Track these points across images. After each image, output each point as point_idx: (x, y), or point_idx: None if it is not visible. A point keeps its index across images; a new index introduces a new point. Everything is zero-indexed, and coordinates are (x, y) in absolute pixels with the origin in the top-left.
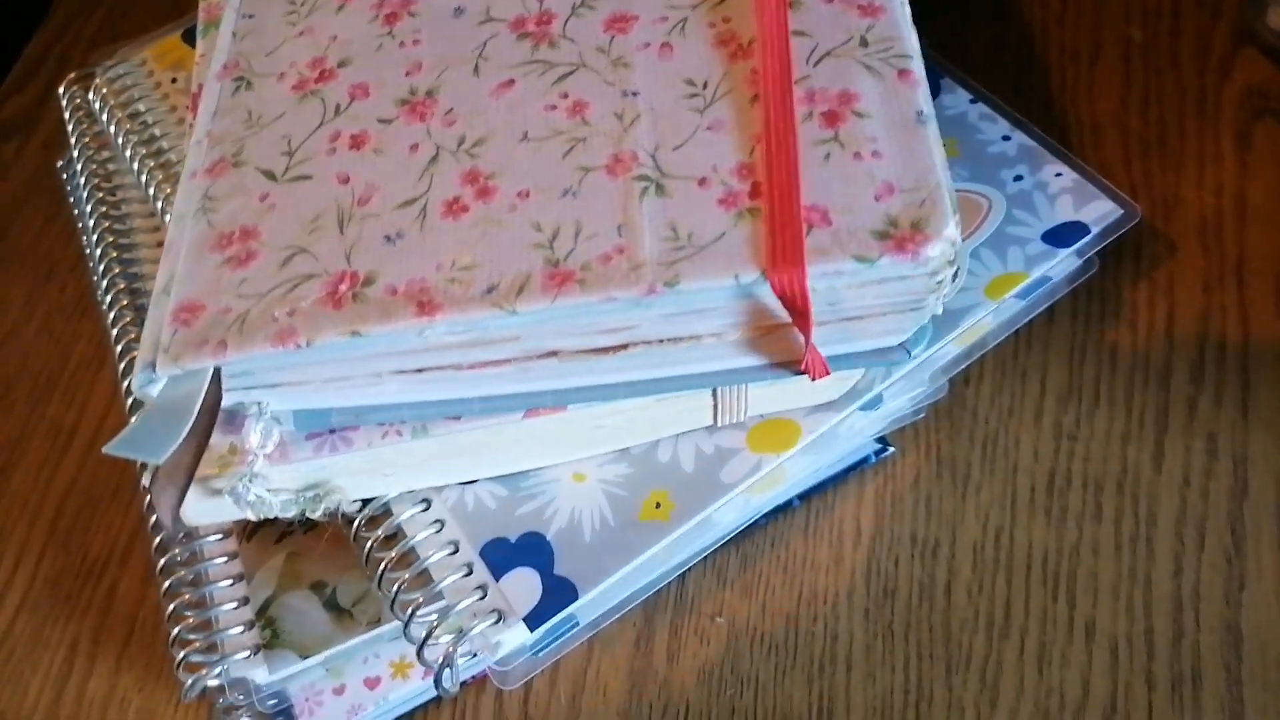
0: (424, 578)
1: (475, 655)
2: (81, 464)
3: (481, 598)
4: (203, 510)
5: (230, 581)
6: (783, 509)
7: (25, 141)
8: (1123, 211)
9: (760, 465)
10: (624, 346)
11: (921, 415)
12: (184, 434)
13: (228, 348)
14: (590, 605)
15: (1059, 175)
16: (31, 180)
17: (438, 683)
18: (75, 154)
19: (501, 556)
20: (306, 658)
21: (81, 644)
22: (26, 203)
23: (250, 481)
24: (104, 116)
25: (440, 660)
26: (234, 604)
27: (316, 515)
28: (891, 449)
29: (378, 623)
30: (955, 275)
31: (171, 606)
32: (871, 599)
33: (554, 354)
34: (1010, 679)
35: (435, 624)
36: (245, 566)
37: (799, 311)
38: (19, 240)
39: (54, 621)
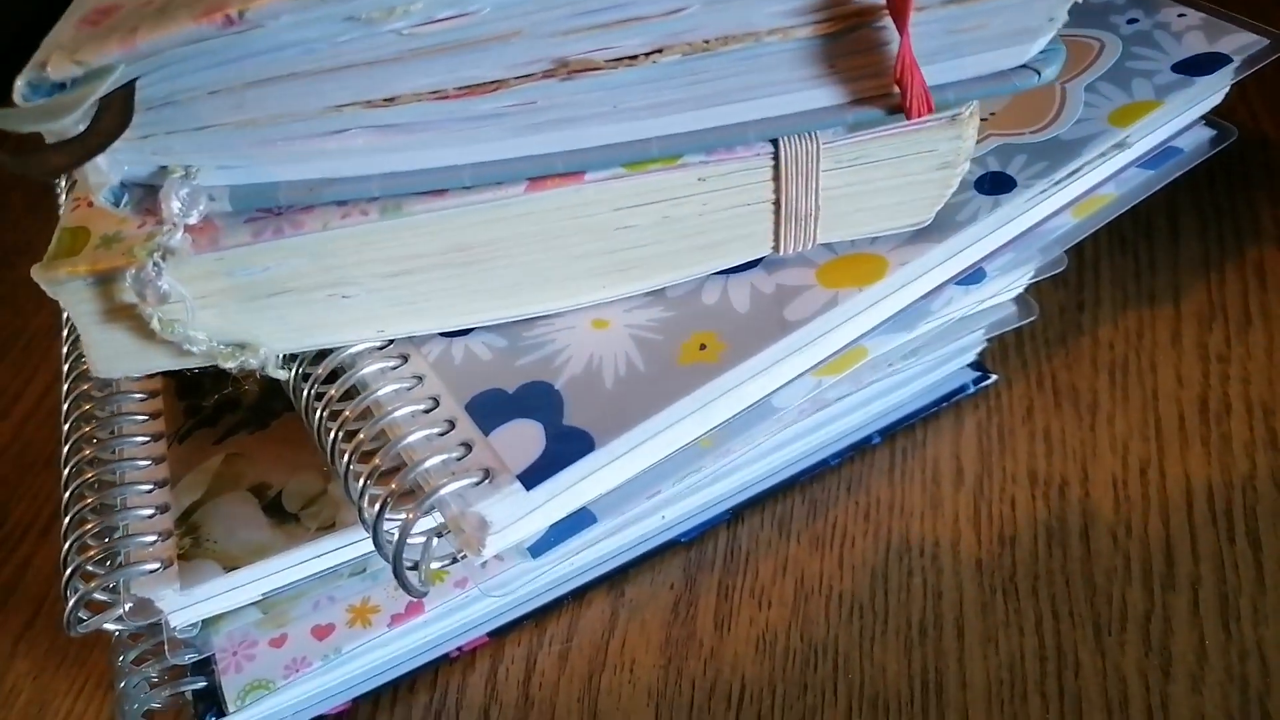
0: (391, 438)
1: (455, 560)
2: (19, 430)
3: (462, 456)
4: (112, 351)
5: (150, 487)
6: (859, 447)
7: None
8: (1268, 41)
9: (836, 301)
10: (658, 51)
11: (1033, 319)
12: (73, 119)
13: (137, 34)
14: (614, 500)
15: (1182, 15)
16: None
17: (398, 573)
18: None
19: (494, 410)
20: (232, 570)
21: None
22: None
23: (163, 260)
24: None
25: (398, 537)
26: (150, 511)
27: (231, 368)
28: (994, 376)
29: (331, 528)
30: None
31: (69, 518)
32: (984, 548)
33: (564, 66)
34: (1185, 639)
35: (395, 490)
36: (173, 471)
37: None
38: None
39: None
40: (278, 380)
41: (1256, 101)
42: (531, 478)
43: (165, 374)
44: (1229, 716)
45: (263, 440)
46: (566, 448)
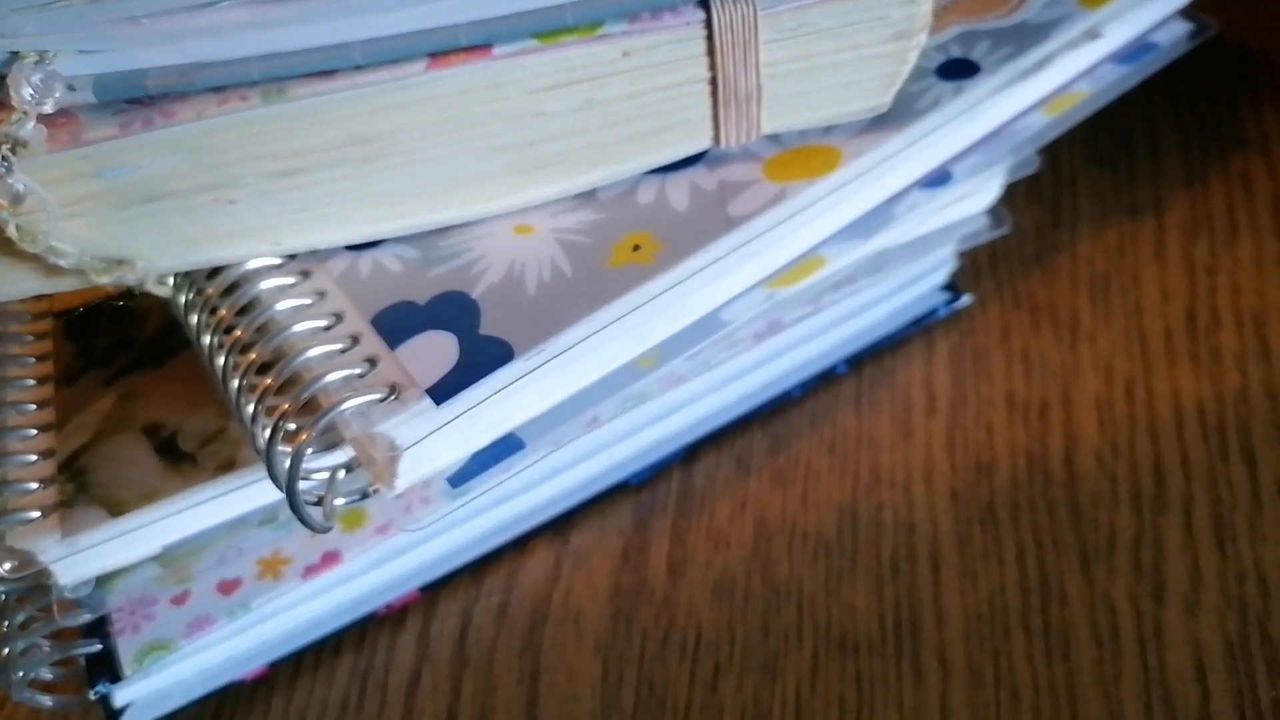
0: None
1: (367, 495)
2: None
3: (365, 372)
4: None
5: (34, 431)
6: (824, 377)
7: None
8: None
9: (785, 194)
10: None
11: (1004, 230)
12: None
13: None
14: (543, 424)
15: None
16: None
17: (293, 503)
18: None
19: (403, 323)
20: (120, 515)
21: None
22: None
23: (13, 153)
24: None
25: (290, 460)
26: (32, 457)
27: (105, 283)
28: (967, 297)
29: (231, 467)
30: None
31: None
32: (959, 476)
33: None
34: (1178, 563)
35: (289, 411)
36: (60, 415)
37: None
38: None
39: None
40: (177, 316)
41: (1235, 11)
42: (442, 391)
43: (56, 314)
44: (1227, 641)
45: (159, 379)
46: (482, 358)
